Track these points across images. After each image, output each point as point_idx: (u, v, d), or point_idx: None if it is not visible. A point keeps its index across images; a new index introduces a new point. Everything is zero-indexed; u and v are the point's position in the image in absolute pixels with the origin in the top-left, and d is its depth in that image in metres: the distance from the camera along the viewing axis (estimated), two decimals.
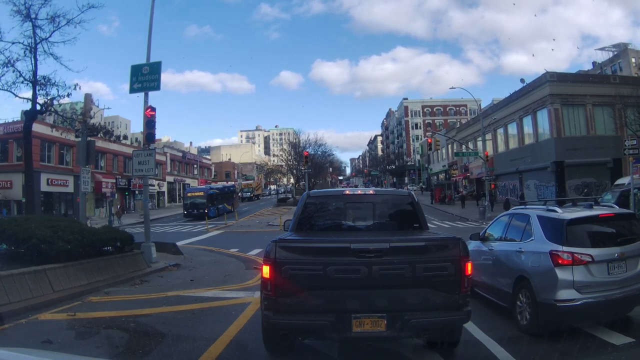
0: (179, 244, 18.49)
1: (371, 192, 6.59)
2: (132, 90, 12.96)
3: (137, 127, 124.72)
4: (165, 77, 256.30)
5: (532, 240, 6.17)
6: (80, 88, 13.93)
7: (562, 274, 5.47)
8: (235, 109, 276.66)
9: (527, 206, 7.23)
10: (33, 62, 12.67)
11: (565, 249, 5.57)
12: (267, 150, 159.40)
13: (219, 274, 11.18)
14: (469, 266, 4.43)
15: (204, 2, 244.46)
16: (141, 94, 13.05)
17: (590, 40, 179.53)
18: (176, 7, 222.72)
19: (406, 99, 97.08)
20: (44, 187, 34.42)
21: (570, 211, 6.21)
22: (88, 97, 12.99)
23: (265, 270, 4.31)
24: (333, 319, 4.16)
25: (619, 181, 23.33)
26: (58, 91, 12.88)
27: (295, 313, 4.26)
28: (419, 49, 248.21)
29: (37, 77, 12.67)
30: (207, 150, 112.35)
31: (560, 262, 5.52)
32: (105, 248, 10.27)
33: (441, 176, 60.57)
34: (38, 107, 13.13)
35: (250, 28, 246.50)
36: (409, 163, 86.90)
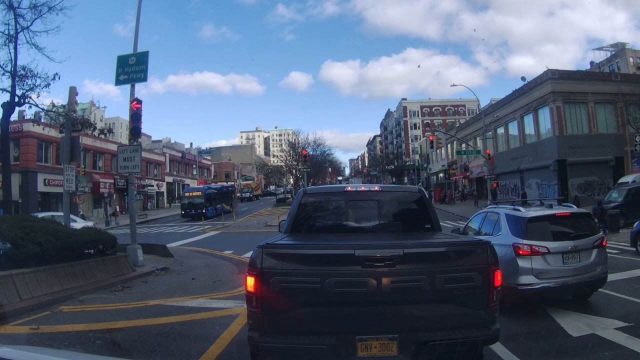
0: (173, 245, 18.00)
1: (376, 188, 5.73)
2: (118, 82, 12.42)
3: None
4: (175, 79, 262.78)
5: (500, 234, 7.17)
6: (59, 78, 13.21)
7: (522, 263, 6.48)
8: (243, 110, 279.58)
9: (499, 205, 8.23)
10: (13, 51, 12.18)
11: (525, 242, 6.60)
12: (267, 151, 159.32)
13: (209, 279, 10.60)
14: (499, 276, 3.73)
15: (218, 4, 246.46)
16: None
17: (596, 44, 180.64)
18: (191, 8, 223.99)
19: (405, 99, 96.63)
20: (40, 188, 34.12)
21: (532, 210, 7.24)
22: (72, 90, 12.38)
23: (250, 282, 3.58)
24: (333, 342, 3.47)
25: (622, 179, 23.09)
26: (35, 82, 12.35)
27: (287, 334, 3.56)
28: (429, 50, 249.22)
29: (17, 67, 12.16)
30: (208, 152, 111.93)
31: (521, 252, 6.54)
32: (87, 251, 9.66)
33: (440, 176, 60.03)
34: (16, 99, 12.59)
35: (264, 30, 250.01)
36: (407, 163, 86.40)
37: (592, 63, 54.37)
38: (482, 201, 36.75)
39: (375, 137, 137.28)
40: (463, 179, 50.03)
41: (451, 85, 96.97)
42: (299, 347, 3.52)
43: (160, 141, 79.26)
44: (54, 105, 17.00)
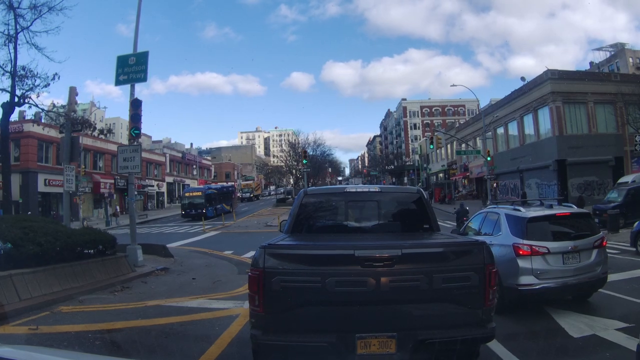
0: (173, 245, 17.98)
1: (376, 189, 5.78)
2: (118, 82, 12.45)
3: None
4: (177, 79, 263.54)
5: (500, 234, 7.18)
6: (59, 78, 13.31)
7: (522, 263, 6.47)
8: (243, 110, 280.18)
9: (498, 206, 8.24)
10: (13, 52, 12.20)
11: (525, 242, 6.58)
12: (267, 152, 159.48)
13: (209, 280, 10.60)
14: (495, 275, 3.82)
15: (220, 5, 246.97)
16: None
17: (596, 44, 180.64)
18: (193, 9, 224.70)
19: (405, 99, 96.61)
20: (41, 188, 34.07)
21: (532, 210, 7.24)
22: (72, 90, 12.45)
23: (252, 281, 3.70)
24: (334, 340, 3.54)
25: (622, 179, 23.07)
26: (35, 82, 12.39)
27: (289, 333, 3.63)
28: (431, 50, 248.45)
29: (17, 67, 12.20)
30: (208, 152, 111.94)
31: (521, 253, 6.53)
32: (86, 251, 9.65)
33: (440, 176, 60.05)
34: (16, 100, 12.62)
35: (266, 30, 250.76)
36: (407, 163, 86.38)
37: (591, 63, 54.20)
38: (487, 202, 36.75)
39: (375, 137, 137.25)
40: (463, 179, 50.02)
41: (451, 86, 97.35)
42: (300, 344, 3.60)
43: (160, 141, 79.21)
44: (54, 106, 17.06)
